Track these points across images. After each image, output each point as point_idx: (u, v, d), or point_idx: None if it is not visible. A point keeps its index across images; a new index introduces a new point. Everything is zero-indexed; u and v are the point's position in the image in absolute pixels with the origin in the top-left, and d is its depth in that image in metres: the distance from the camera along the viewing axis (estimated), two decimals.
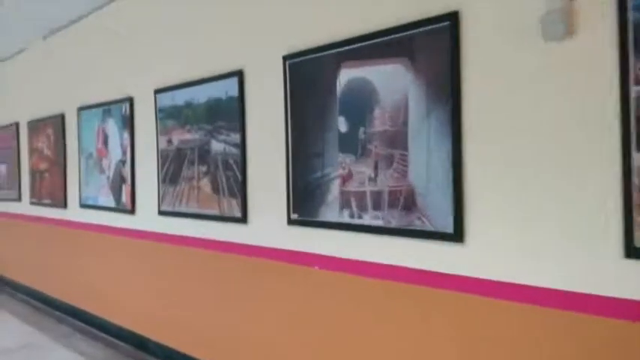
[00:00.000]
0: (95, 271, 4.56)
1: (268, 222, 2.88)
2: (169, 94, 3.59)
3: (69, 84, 4.93)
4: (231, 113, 3.09)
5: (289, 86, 2.72)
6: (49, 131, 5.25)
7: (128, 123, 4.04)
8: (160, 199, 3.70)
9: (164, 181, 3.66)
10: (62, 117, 4.99)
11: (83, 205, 4.69)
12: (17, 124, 6.01)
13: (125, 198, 4.10)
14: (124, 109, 4.09)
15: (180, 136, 3.50)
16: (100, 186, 4.46)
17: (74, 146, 4.81)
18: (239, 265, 3.07)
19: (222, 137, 3.16)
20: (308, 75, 2.63)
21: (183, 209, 3.48)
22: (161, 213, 3.69)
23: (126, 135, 4.08)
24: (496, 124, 1.96)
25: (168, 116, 3.61)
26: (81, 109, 4.67)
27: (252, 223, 2.99)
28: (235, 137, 3.06)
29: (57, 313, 5.17)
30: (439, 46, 2.10)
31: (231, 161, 3.10)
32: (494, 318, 1.98)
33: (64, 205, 4.99)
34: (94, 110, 4.49)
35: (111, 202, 4.29)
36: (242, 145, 3.02)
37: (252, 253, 2.97)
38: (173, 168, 3.58)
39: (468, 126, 2.03)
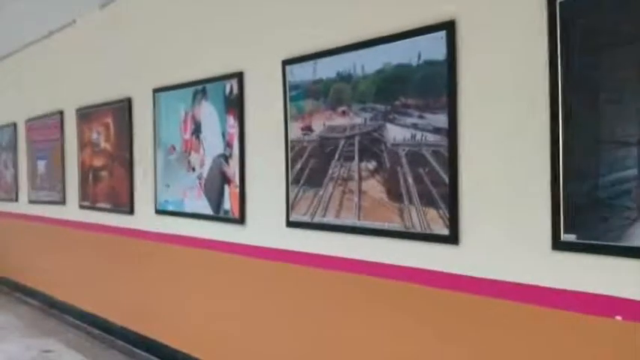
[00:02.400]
0: (190, 301, 3.63)
1: (503, 244, 1.95)
2: (308, 65, 2.66)
3: (137, 60, 4.00)
4: (428, 85, 2.16)
5: (566, 37, 1.79)
6: (108, 120, 4.32)
7: (235, 106, 3.12)
8: (290, 207, 2.77)
9: (296, 182, 2.74)
10: (128, 102, 4.07)
11: (160, 212, 3.76)
12: (62, 113, 5.08)
13: (230, 203, 3.18)
14: (228, 89, 3.17)
15: (328, 121, 2.58)
16: (186, 187, 3.53)
17: (146, 138, 3.89)
18: (454, 304, 2.14)
19: (409, 120, 2.23)
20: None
21: (331, 220, 2.56)
22: (291, 224, 2.77)
23: (231, 122, 3.16)
24: None
25: (306, 95, 2.68)
26: (158, 90, 3.74)
27: (468, 243, 2.06)
28: (435, 119, 2.14)
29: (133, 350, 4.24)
30: None
31: (426, 154, 2.17)
32: None
33: (130, 211, 4.07)
34: (179, 92, 3.56)
35: (205, 208, 3.36)
36: (450, 131, 2.09)
37: (475, 290, 2.04)
38: (313, 164, 2.66)
39: None
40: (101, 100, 4.41)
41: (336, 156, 2.54)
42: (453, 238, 2.09)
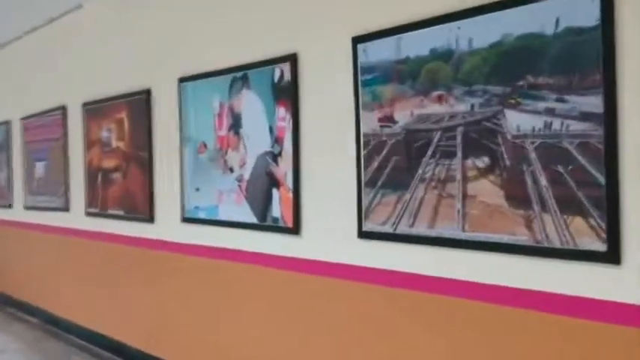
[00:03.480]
0: (224, 324, 3.12)
1: None
2: (389, 41, 2.18)
3: (158, 45, 3.49)
4: (571, 59, 1.69)
5: None
6: (122, 115, 3.80)
7: (287, 95, 2.63)
8: (363, 214, 2.28)
9: (371, 184, 2.25)
10: (147, 94, 3.54)
11: (188, 220, 3.24)
12: (64, 109, 4.53)
13: (279, 209, 2.68)
14: (277, 75, 2.67)
15: (418, 110, 2.09)
16: (222, 191, 3.03)
17: (170, 135, 3.37)
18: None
19: (541, 105, 1.76)
20: None
21: (422, 231, 2.07)
22: (365, 235, 2.28)
23: (282, 113, 2.66)
24: None
25: (386, 79, 2.20)
26: (185, 80, 3.23)
27: (636, 264, 1.59)
28: (583, 103, 1.67)
29: None
30: None
31: (569, 147, 1.70)
32: None
33: (150, 219, 3.54)
34: (212, 80, 3.06)
35: (246, 216, 2.86)
36: (607, 117, 1.62)
37: None
38: (395, 163, 2.18)
39: None
40: (113, 93, 3.88)
41: (429, 152, 2.06)
42: (611, 256, 1.62)
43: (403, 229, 2.14)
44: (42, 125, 4.90)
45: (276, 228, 2.70)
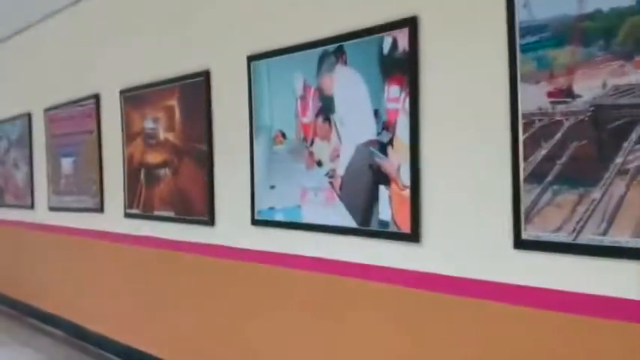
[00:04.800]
0: (308, 347, 2.61)
1: None
2: None
3: (220, 16, 2.98)
4: None
5: None
6: (172, 102, 3.29)
7: (401, 70, 2.12)
8: (524, 217, 1.77)
9: (537, 178, 1.74)
10: (206, 76, 3.04)
11: (261, 222, 2.74)
12: (98, 97, 4.03)
13: (389, 211, 2.17)
14: (387, 46, 2.16)
15: (615, 79, 1.58)
16: (306, 189, 2.52)
17: (236, 123, 2.86)
18: None
19: None
20: None
21: (624, 240, 1.56)
22: (527, 245, 1.77)
23: (393, 93, 2.15)
24: None
25: (562, 40, 1.68)
26: (256, 58, 2.73)
27: None
28: None
29: None
30: None
31: None
32: None
33: (210, 222, 3.04)
34: (293, 57, 2.55)
35: (341, 218, 2.35)
36: None
37: None
38: (576, 150, 1.67)
39: None
40: (160, 78, 3.38)
41: (633, 135, 1.56)
42: None
43: (590, 237, 1.63)
44: (70, 117, 4.40)
45: (385, 234, 2.19)
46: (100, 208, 4.02)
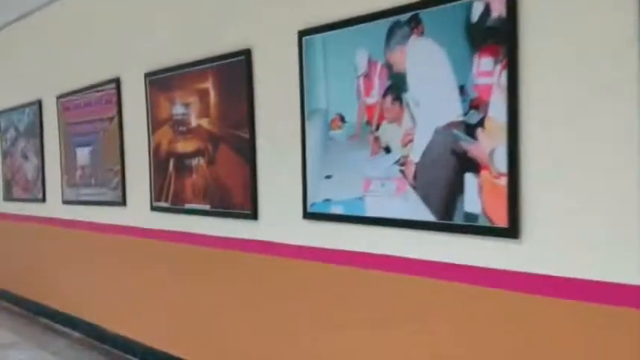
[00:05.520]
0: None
1: None
2: None
3: None
4: None
5: None
6: (206, 85, 3.01)
7: (497, 38, 1.84)
8: None
9: None
10: (246, 56, 2.75)
11: (315, 216, 2.46)
12: (118, 82, 3.74)
13: (479, 202, 1.90)
14: (476, 12, 1.89)
15: None
16: (370, 179, 2.25)
17: (285, 107, 2.58)
18: None
19: None
20: None
21: None
22: None
23: (485, 65, 1.87)
24: None
25: None
26: (308, 33, 2.44)
27: None
28: None
29: None
30: None
31: None
32: None
33: (252, 215, 2.76)
34: (354, 30, 2.27)
35: (416, 211, 2.08)
36: None
37: None
38: None
39: None
40: (192, 58, 3.09)
41: None
42: None
43: None
44: (86, 103, 4.11)
45: (473, 228, 1.93)
46: (122, 202, 3.74)
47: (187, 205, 3.18)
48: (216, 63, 2.93)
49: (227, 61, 2.86)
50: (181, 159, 3.21)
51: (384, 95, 2.19)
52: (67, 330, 4.45)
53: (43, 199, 4.78)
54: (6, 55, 5.32)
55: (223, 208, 2.94)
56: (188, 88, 3.12)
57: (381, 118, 2.21)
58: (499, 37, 1.83)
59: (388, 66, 2.17)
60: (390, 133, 2.18)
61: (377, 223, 2.23)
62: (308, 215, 2.50)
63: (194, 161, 3.12)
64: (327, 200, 2.42)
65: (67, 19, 4.32)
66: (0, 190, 5.57)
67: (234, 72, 2.82)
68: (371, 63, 2.23)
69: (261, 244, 2.73)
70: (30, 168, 5.00)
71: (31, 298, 5.01)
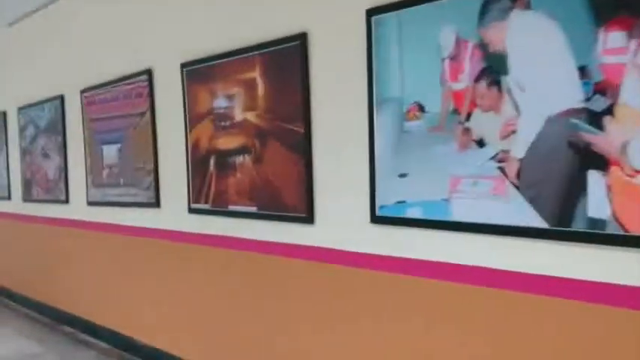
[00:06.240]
0: None
1: None
2: None
3: None
4: None
5: None
6: (252, 74, 2.71)
7: (629, 7, 1.53)
8: None
9: None
10: (301, 40, 2.45)
11: (385, 220, 2.15)
12: (150, 73, 3.45)
13: (608, 206, 1.58)
14: None
15: None
16: (458, 177, 1.94)
17: (348, 96, 2.28)
18: None
19: None
20: None
21: None
22: None
23: (615, 41, 1.55)
24: None
25: None
26: (379, 11, 2.13)
27: None
28: None
29: None
30: None
31: None
32: None
33: (308, 219, 2.46)
34: (439, 5, 1.95)
35: (520, 216, 1.76)
36: None
37: None
38: None
39: None
40: (236, 46, 2.79)
41: None
42: None
43: None
44: (113, 98, 3.83)
45: (601, 237, 1.61)
46: (156, 203, 3.46)
47: (231, 207, 2.89)
48: (265, 50, 2.63)
49: (278, 47, 2.56)
50: (224, 156, 2.92)
51: (477, 80, 1.88)
52: (92, 339, 4.18)
53: (66, 200, 4.51)
54: (24, 49, 5.07)
55: (273, 211, 2.64)
56: (231, 79, 2.83)
57: (473, 106, 1.90)
58: (635, 7, 1.52)
59: (482, 46, 1.86)
60: (484, 123, 1.87)
61: (467, 229, 1.92)
62: (376, 219, 2.19)
63: (238, 159, 2.83)
64: (402, 202, 2.11)
65: (90, 8, 4.04)
66: (19, 190, 5.32)
67: (287, 59, 2.52)
68: (459, 43, 1.92)
69: (320, 250, 2.43)
70: (51, 167, 4.74)
71: (54, 305, 4.75)
